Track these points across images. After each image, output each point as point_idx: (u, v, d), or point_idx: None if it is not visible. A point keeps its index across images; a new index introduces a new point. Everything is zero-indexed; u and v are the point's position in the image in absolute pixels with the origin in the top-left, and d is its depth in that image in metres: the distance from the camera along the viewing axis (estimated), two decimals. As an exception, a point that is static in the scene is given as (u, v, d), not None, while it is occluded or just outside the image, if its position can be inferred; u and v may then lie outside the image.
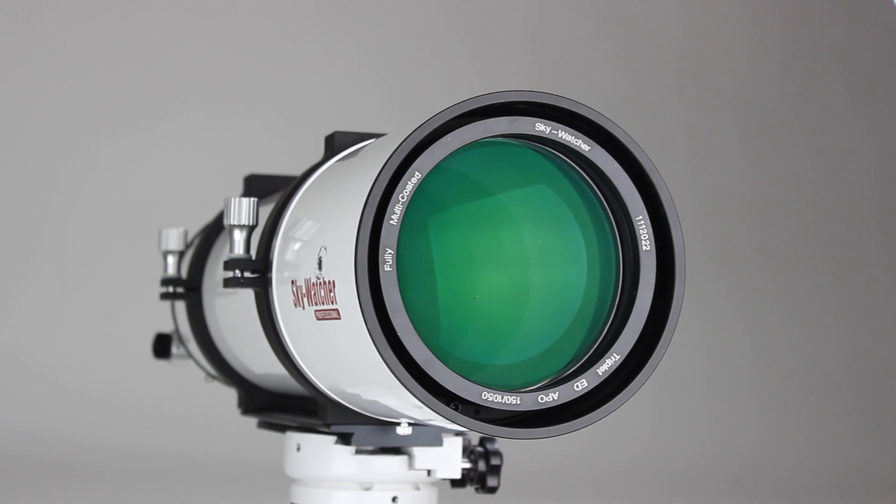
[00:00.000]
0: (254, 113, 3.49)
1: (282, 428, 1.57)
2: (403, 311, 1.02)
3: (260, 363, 1.54)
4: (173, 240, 1.65)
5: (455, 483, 1.43)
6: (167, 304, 1.73)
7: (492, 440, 1.42)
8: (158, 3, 3.51)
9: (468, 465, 1.40)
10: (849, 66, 3.89)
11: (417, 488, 1.38)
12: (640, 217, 1.08)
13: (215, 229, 1.69)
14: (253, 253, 1.28)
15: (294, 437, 1.41)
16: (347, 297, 1.04)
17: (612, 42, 3.78)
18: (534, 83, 3.53)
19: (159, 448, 3.02)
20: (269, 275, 1.26)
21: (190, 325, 1.68)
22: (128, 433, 3.06)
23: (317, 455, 1.37)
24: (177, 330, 1.88)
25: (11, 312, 3.28)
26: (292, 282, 1.18)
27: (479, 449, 1.41)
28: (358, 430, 1.31)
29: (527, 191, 1.13)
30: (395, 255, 1.02)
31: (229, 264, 1.28)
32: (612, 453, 3.14)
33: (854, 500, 3.14)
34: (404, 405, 1.15)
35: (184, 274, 1.68)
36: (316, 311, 1.12)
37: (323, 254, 1.10)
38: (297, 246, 1.21)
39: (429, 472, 1.37)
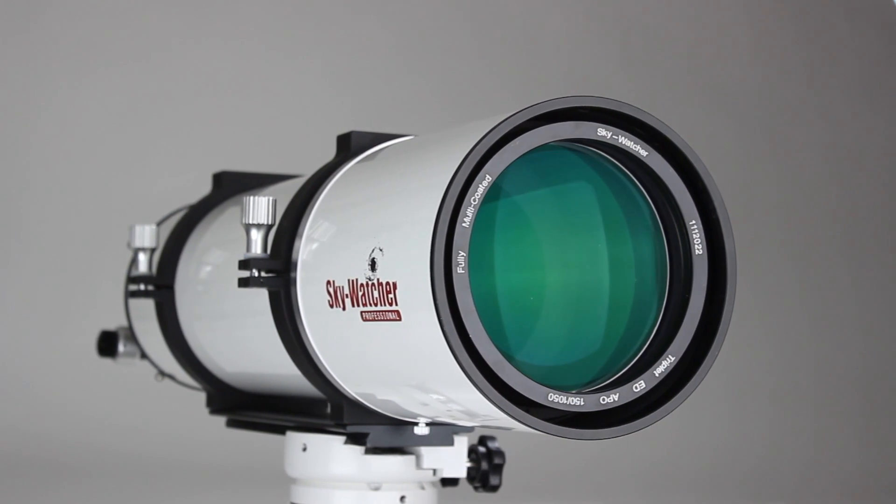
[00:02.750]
0: (249, 113, 3.51)
1: (258, 427, 1.56)
2: (475, 314, 1.03)
3: (245, 361, 1.52)
4: (147, 237, 1.62)
5: (445, 482, 1.44)
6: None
7: (493, 438, 1.44)
8: (151, 4, 3.47)
9: (470, 464, 1.41)
10: (849, 66, 3.96)
11: (423, 487, 1.39)
12: (694, 221, 1.10)
13: (185, 226, 1.66)
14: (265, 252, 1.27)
15: (299, 437, 1.40)
16: (414, 299, 1.04)
17: (613, 42, 3.81)
18: (532, 83, 3.58)
19: (144, 449, 3.01)
20: (291, 275, 1.26)
21: (160, 322, 1.65)
22: (117, 433, 3.02)
23: (326, 455, 1.36)
24: (131, 328, 1.85)
25: (8, 312, 3.25)
26: (328, 282, 1.18)
27: (482, 448, 1.43)
28: (374, 430, 1.31)
29: (545, 192, 1.14)
30: (467, 258, 1.03)
31: (247, 264, 1.27)
32: (610, 452, 3.17)
33: (857, 501, 3.20)
34: (435, 406, 1.16)
35: (153, 271, 1.65)
36: (364, 311, 1.12)
37: (378, 255, 1.09)
38: (332, 247, 1.20)
39: (434, 471, 1.38)
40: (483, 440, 1.43)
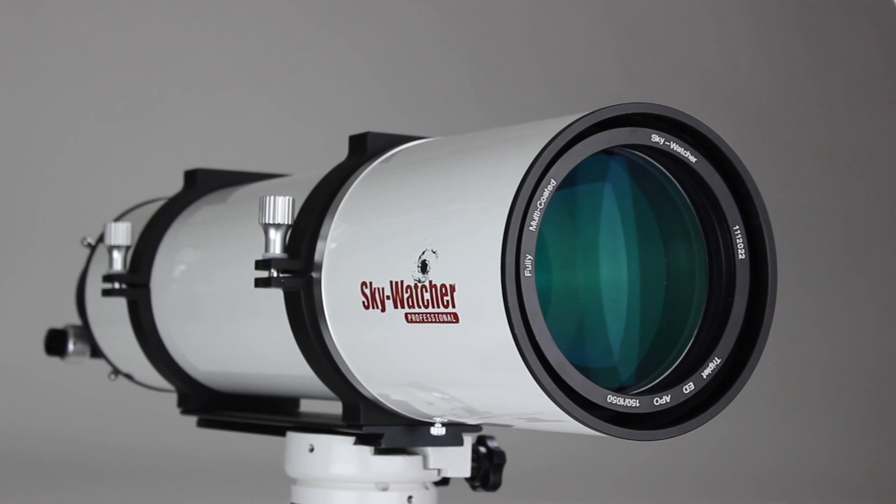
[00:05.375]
0: (247, 112, 3.48)
1: (241, 427, 1.55)
2: (541, 316, 1.04)
3: (236, 361, 1.50)
4: (121, 234, 1.59)
5: (437, 482, 1.44)
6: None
7: (492, 438, 1.45)
8: (147, 4, 3.40)
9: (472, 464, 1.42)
10: (849, 66, 4.00)
11: (427, 487, 1.39)
12: (737, 227, 1.13)
13: (160, 224, 1.63)
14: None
15: (304, 438, 1.39)
16: (477, 302, 1.05)
17: (613, 43, 3.81)
18: (535, 84, 3.56)
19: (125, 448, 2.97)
20: (314, 275, 1.25)
21: (132, 322, 1.62)
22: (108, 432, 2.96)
23: (337, 456, 1.36)
24: (87, 326, 1.81)
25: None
26: (364, 283, 1.17)
27: (482, 448, 1.44)
28: (389, 431, 1.30)
29: (578, 193, 1.15)
30: (534, 261, 1.04)
31: (267, 264, 1.26)
32: (610, 453, 3.17)
33: (857, 501, 3.25)
34: (461, 407, 1.17)
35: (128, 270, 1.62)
36: (410, 313, 1.12)
37: (430, 257, 1.10)
38: (368, 248, 1.20)
39: (438, 470, 1.38)
40: (482, 440, 1.44)
